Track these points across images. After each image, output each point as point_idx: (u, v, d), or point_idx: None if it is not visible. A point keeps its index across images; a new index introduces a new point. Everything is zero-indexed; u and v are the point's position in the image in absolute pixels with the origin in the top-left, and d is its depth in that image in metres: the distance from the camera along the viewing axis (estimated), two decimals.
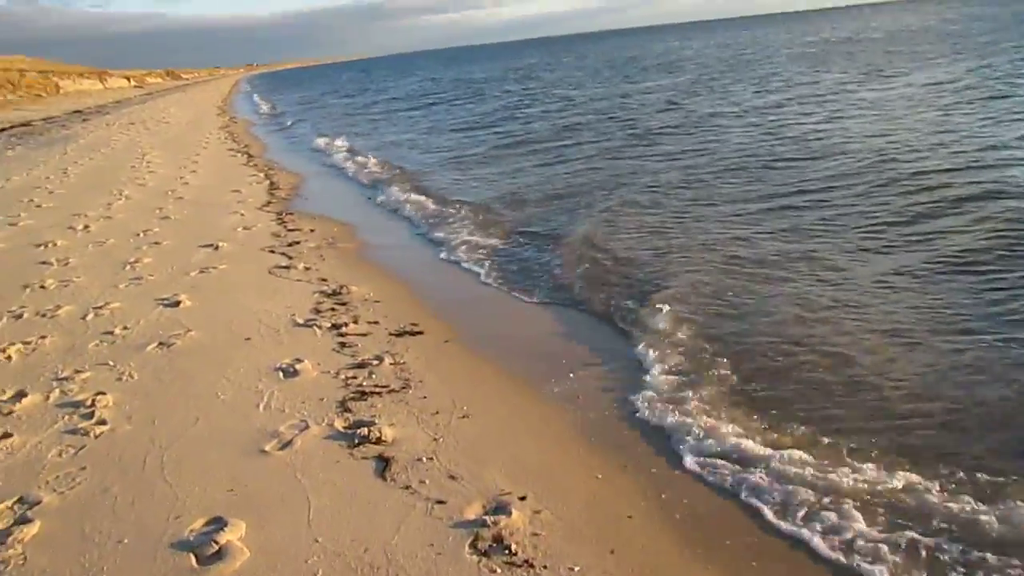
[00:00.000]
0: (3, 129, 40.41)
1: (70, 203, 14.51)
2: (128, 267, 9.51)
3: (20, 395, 5.80)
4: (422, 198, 13.70)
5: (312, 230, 11.51)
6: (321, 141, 24.58)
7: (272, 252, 10.17)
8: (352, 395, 5.72)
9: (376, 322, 7.34)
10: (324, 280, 8.75)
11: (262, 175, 17.45)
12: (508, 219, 11.56)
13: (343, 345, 6.71)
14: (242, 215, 12.73)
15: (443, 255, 10.00)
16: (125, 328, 7.21)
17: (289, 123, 33.66)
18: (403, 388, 5.86)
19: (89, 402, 5.57)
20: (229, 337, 6.92)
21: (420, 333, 7.05)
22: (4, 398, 5.77)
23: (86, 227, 12.06)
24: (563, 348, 6.64)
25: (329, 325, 7.19)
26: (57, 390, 5.84)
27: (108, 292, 8.47)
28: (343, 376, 6.02)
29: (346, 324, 7.21)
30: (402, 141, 23.39)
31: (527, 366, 6.28)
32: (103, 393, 5.72)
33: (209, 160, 20.48)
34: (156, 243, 10.75)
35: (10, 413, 5.50)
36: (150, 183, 16.57)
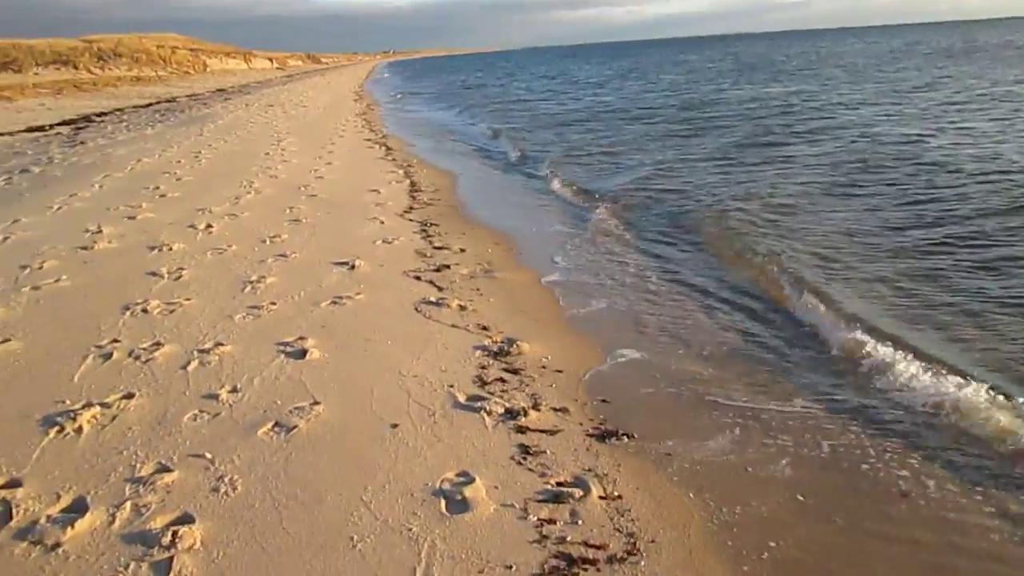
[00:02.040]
0: (149, 104, 40.79)
1: (196, 194, 13.14)
2: (248, 288, 7.82)
3: (77, 508, 4.02)
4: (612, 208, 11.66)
5: (463, 249, 9.62)
6: (479, 131, 22.93)
7: (418, 278, 8.31)
8: (553, 565, 3.68)
9: (565, 409, 5.30)
10: (485, 329, 6.80)
11: (401, 172, 15.80)
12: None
13: (525, 452, 4.69)
14: (382, 223, 10.99)
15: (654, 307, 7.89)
16: (234, 391, 5.40)
17: (427, 112, 32.19)
18: (628, 554, 3.79)
19: (167, 538, 3.72)
20: (370, 420, 5.01)
21: (631, 437, 4.97)
22: (55, 511, 4.00)
23: (208, 227, 10.55)
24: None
25: (502, 411, 5.20)
26: (128, 505, 4.03)
27: (220, 325, 6.75)
28: (533, 517, 4.01)
29: (524, 411, 5.20)
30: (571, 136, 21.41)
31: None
32: (189, 522, 3.87)
33: (345, 151, 19.03)
34: (283, 256, 9.06)
35: (56, 547, 3.71)
36: (282, 175, 15.13)
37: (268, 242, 9.76)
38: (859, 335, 6.39)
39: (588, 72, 64.79)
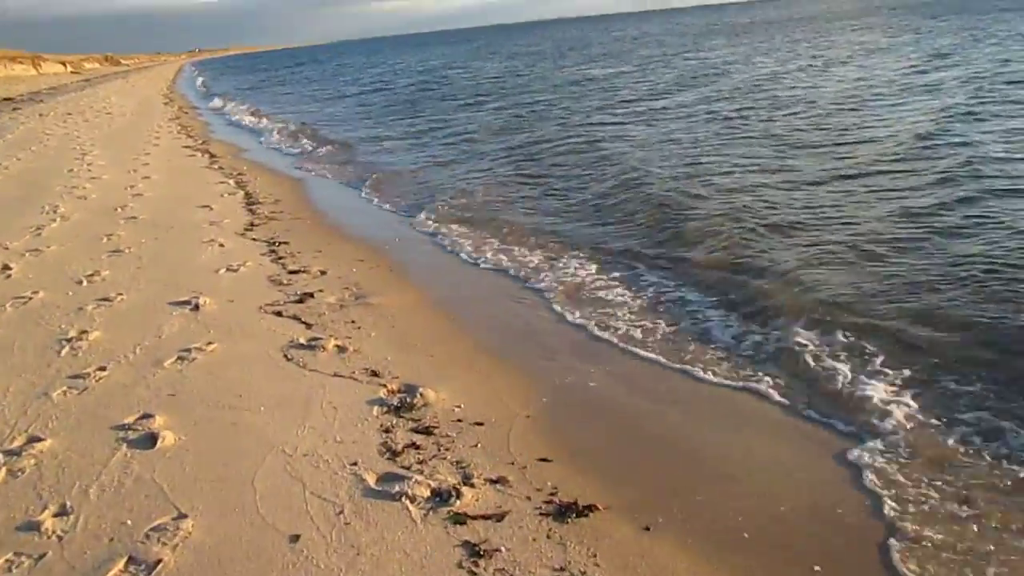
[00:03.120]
0: None
1: None
2: (66, 349, 6.27)
3: None
4: (463, 216, 10.64)
5: (323, 272, 8.36)
6: (292, 135, 21.28)
7: (279, 314, 7.03)
8: None
9: (503, 480, 4.28)
10: (376, 375, 5.67)
11: (232, 182, 14.16)
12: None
13: (475, 555, 3.64)
14: (221, 246, 9.50)
15: (570, 315, 6.96)
16: (61, 513, 4.01)
17: (249, 114, 29.97)
18: None
19: None
20: (259, 533, 3.79)
21: (596, 509, 4.01)
22: None
23: (5, 269, 8.70)
24: None
25: (427, 493, 4.11)
26: None
27: (33, 409, 5.24)
28: None
29: (456, 490, 4.13)
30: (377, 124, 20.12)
31: None
32: None
33: (163, 161, 17.01)
34: (106, 300, 7.49)
35: None
36: (93, 194, 13.13)
37: (85, 282, 8.11)
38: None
39: (408, 62, 63.40)
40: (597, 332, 6.49)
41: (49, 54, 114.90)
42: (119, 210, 11.79)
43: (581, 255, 8.61)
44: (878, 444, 4.47)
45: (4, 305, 7.45)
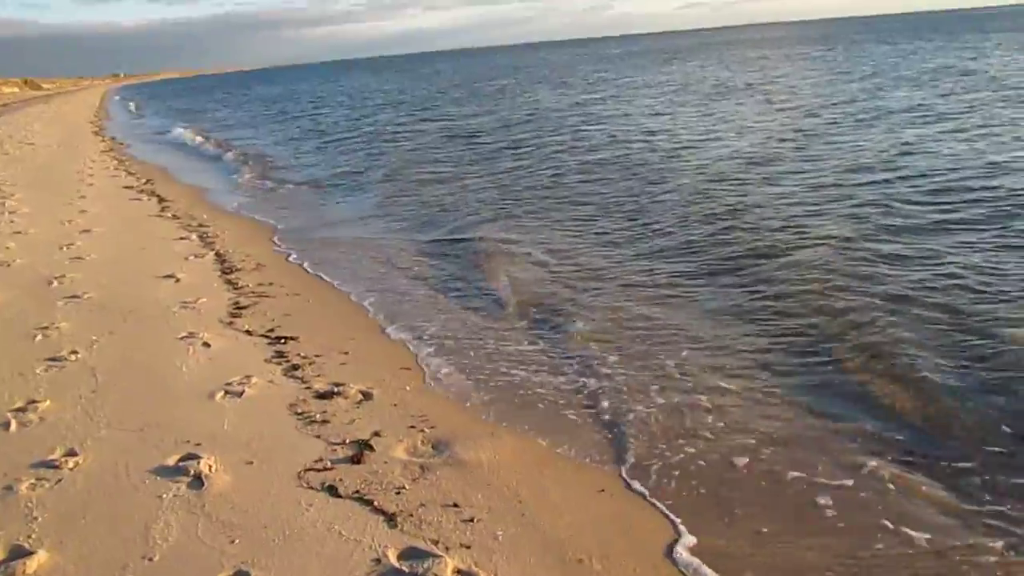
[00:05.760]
0: None
1: None
2: None
3: None
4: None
5: (365, 394, 5.83)
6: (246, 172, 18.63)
7: (333, 491, 4.49)
8: None
9: None
10: None
11: (195, 237, 11.46)
12: None
13: None
14: (206, 344, 6.89)
15: None
16: None
17: (191, 143, 26.94)
18: None
19: None
20: None
21: None
22: None
23: None
24: None
25: None
26: None
27: None
28: None
29: None
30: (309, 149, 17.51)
31: None
32: None
33: (104, 206, 14.15)
34: (44, 476, 4.76)
35: None
36: (17, 259, 10.26)
37: (13, 425, 5.36)
38: None
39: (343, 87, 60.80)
40: None
41: None
42: (55, 283, 8.99)
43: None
44: None
45: None
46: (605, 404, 5.65)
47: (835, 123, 18.66)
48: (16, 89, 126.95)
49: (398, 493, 4.46)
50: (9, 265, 9.91)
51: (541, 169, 16.16)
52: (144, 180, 18.02)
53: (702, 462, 4.81)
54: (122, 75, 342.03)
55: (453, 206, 13.38)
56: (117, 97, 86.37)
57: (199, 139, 27.82)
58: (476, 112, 30.61)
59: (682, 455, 4.89)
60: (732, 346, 6.53)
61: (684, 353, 6.42)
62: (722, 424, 5.24)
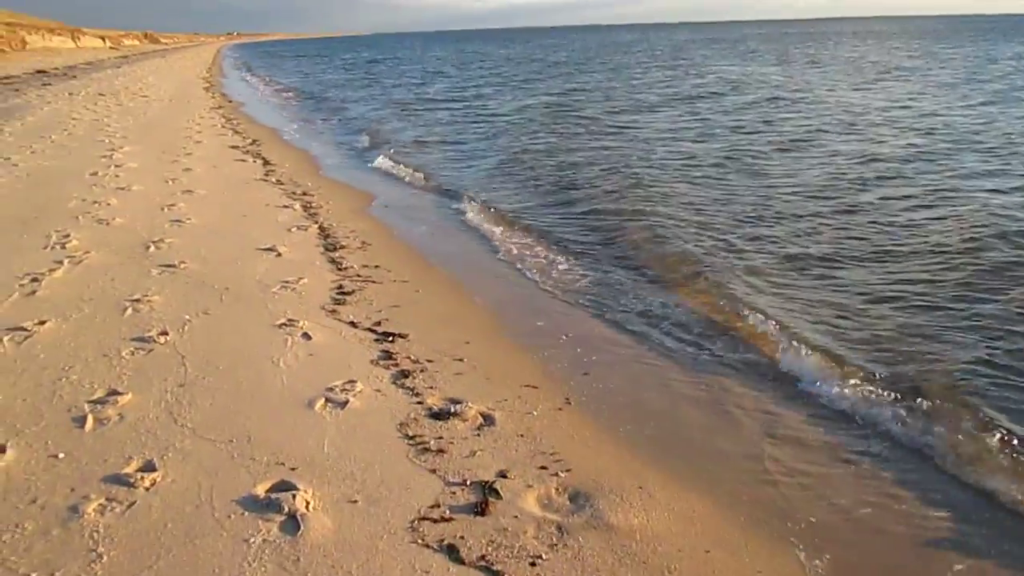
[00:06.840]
0: None
1: None
2: None
3: None
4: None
5: (486, 417, 4.96)
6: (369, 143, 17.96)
7: (456, 557, 3.57)
8: None
9: None
10: None
11: (299, 206, 10.77)
12: None
13: None
14: (306, 336, 6.10)
15: None
16: None
17: (297, 104, 26.63)
18: None
19: None
20: None
21: None
22: None
23: None
24: None
25: None
26: None
27: None
28: None
29: None
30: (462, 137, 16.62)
31: None
32: None
33: (208, 168, 13.64)
34: (131, 488, 4.05)
35: None
36: (118, 217, 9.76)
37: (90, 422, 4.67)
38: None
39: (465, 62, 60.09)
40: None
41: (89, 28, 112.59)
42: (152, 248, 8.42)
43: None
44: None
45: None
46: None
47: None
48: (136, 42, 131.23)
49: (533, 564, 3.56)
50: (109, 223, 9.43)
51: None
52: (251, 140, 17.59)
53: None
54: (236, 34, 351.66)
55: (621, 197, 11.41)
56: (235, 58, 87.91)
57: (309, 101, 27.47)
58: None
59: None
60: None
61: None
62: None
